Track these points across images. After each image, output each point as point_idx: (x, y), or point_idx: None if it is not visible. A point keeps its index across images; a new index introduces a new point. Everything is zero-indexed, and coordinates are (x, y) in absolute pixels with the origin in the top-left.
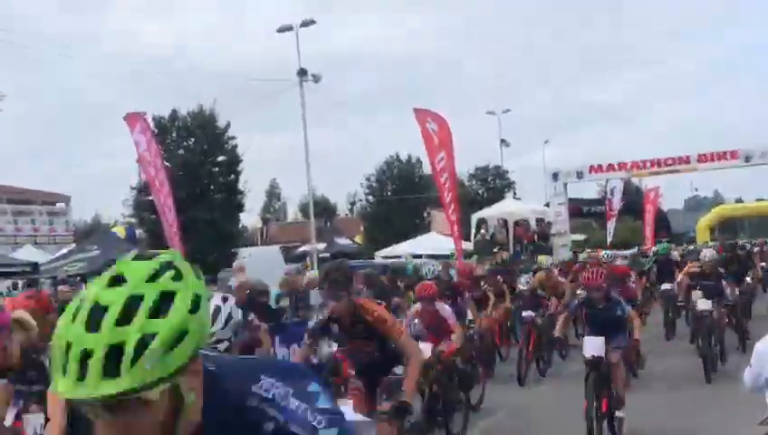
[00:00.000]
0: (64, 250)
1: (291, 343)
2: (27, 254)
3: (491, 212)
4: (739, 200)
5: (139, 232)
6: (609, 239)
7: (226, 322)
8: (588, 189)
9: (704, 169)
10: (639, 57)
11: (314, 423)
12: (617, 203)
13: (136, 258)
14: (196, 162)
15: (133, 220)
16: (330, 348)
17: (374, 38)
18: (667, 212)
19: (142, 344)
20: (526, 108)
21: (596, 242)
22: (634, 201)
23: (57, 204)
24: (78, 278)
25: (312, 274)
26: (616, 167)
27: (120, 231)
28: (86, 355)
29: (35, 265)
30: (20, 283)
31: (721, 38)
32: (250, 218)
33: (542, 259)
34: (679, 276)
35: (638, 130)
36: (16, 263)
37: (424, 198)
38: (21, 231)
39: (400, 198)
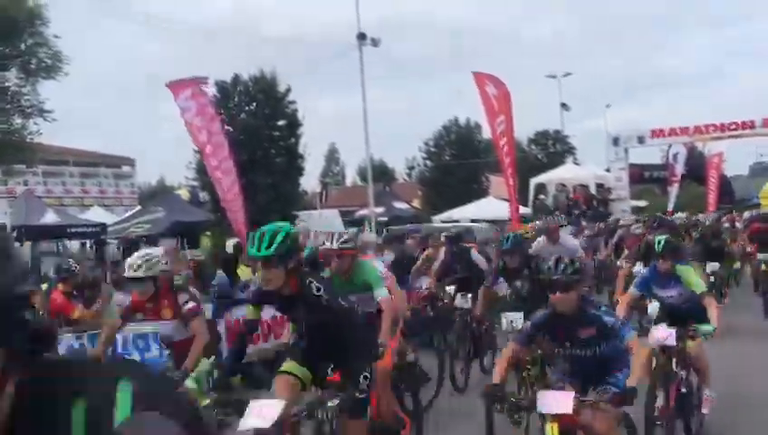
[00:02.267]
0: (130, 212)
1: None
2: (95, 215)
3: (550, 177)
4: None
5: (202, 195)
6: (670, 205)
7: None
8: (651, 155)
9: None
10: (705, 21)
11: None
12: (679, 168)
13: None
14: (258, 126)
15: (196, 183)
16: None
17: (434, 1)
18: (730, 178)
19: None
20: (588, 72)
21: (657, 208)
22: (697, 166)
23: (123, 167)
24: (144, 239)
25: (369, 236)
26: (678, 131)
27: (183, 193)
28: None
29: (104, 226)
30: (88, 243)
31: None
32: (309, 182)
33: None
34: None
35: (703, 97)
36: (86, 223)
37: (482, 163)
38: (88, 193)
39: (458, 163)
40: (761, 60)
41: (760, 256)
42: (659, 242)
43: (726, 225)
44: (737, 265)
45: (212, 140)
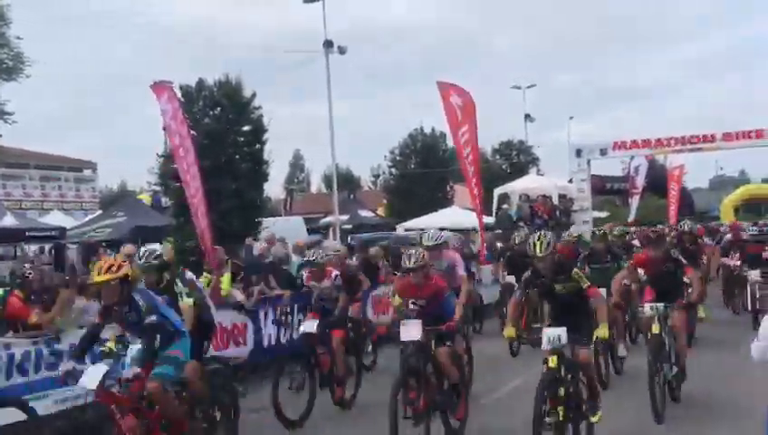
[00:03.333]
0: (91, 216)
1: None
2: (55, 219)
3: (513, 187)
4: (766, 180)
5: (164, 200)
6: (631, 217)
7: None
8: (613, 167)
9: (728, 147)
10: (667, 38)
11: None
12: (640, 180)
13: None
14: (222, 132)
15: (158, 188)
16: None
17: (400, 10)
18: (691, 191)
19: None
20: (552, 84)
21: (618, 219)
22: (658, 179)
23: (84, 170)
24: (104, 244)
25: (333, 244)
26: (640, 144)
27: (145, 198)
28: None
29: (63, 230)
30: (47, 247)
31: (749, 22)
32: (274, 189)
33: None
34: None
35: (664, 111)
36: (45, 227)
37: (447, 172)
38: (48, 197)
39: (424, 172)
40: (721, 75)
41: (752, 273)
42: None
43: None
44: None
45: (183, 144)
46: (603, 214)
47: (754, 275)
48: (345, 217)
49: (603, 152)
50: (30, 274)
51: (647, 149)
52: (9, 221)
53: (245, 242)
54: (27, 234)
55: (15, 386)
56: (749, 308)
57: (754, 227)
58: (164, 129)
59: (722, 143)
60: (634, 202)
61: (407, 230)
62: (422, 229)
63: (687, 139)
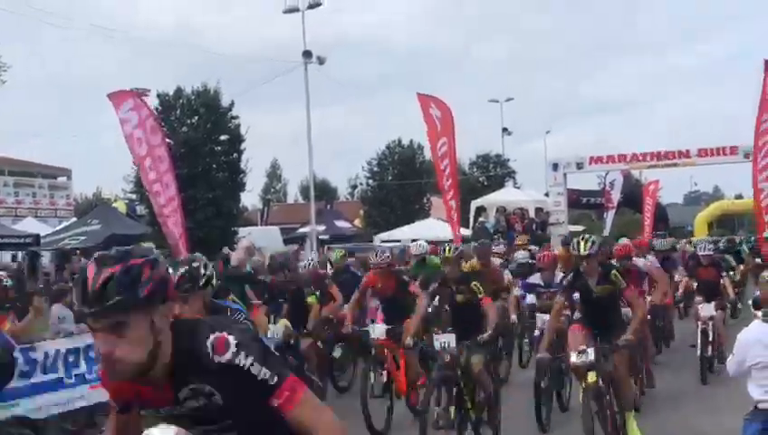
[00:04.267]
0: (65, 223)
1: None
2: (28, 226)
3: (490, 200)
4: (739, 196)
5: (140, 208)
6: (606, 231)
7: None
8: (589, 181)
9: (703, 163)
10: (643, 52)
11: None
12: (616, 195)
13: None
14: (199, 140)
15: (134, 196)
16: None
17: (380, 23)
18: (666, 206)
19: None
20: (529, 97)
21: (593, 233)
22: (633, 193)
23: (58, 177)
24: (78, 252)
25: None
26: (616, 158)
27: (120, 206)
28: None
29: (37, 238)
30: (20, 254)
31: (723, 36)
32: (251, 198)
33: None
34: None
35: (640, 125)
36: (18, 234)
37: (425, 184)
38: (22, 203)
39: (401, 183)
40: (697, 89)
41: (703, 308)
42: None
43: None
44: None
45: (152, 153)
46: (579, 228)
47: (708, 309)
48: (322, 228)
49: (579, 166)
50: (7, 282)
51: (622, 163)
52: None
53: (222, 251)
54: (0, 241)
55: None
56: (699, 351)
57: (709, 245)
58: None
59: (697, 159)
60: (609, 216)
61: (383, 241)
62: (398, 241)
63: (663, 154)
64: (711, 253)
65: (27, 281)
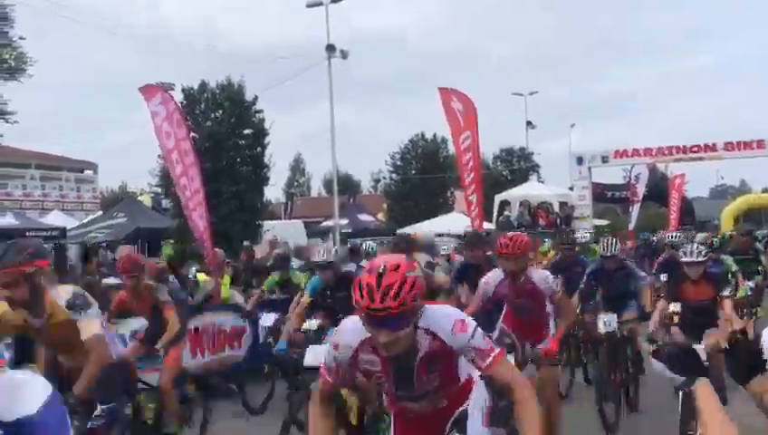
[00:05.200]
0: (91, 217)
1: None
2: (55, 219)
3: (514, 194)
4: (766, 190)
5: (165, 201)
6: (631, 225)
7: None
8: (614, 175)
9: (729, 157)
10: (671, 49)
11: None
12: (641, 189)
13: None
14: (223, 135)
15: (159, 190)
16: None
17: (403, 18)
18: (692, 199)
19: None
20: (554, 91)
21: (618, 227)
22: (658, 187)
23: (85, 171)
24: (105, 244)
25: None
26: (641, 152)
27: (146, 200)
28: None
29: (63, 231)
30: (47, 247)
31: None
32: (274, 192)
33: None
34: None
35: (666, 120)
36: (45, 227)
37: (448, 178)
38: (48, 197)
39: (424, 177)
40: (724, 85)
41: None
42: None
43: None
44: None
45: (179, 147)
46: (604, 222)
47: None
48: (345, 222)
49: (604, 160)
50: None
51: (648, 157)
52: (9, 221)
53: (245, 245)
54: (27, 234)
55: None
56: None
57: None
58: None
59: (723, 153)
60: (634, 210)
61: None
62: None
63: (689, 148)
64: (703, 260)
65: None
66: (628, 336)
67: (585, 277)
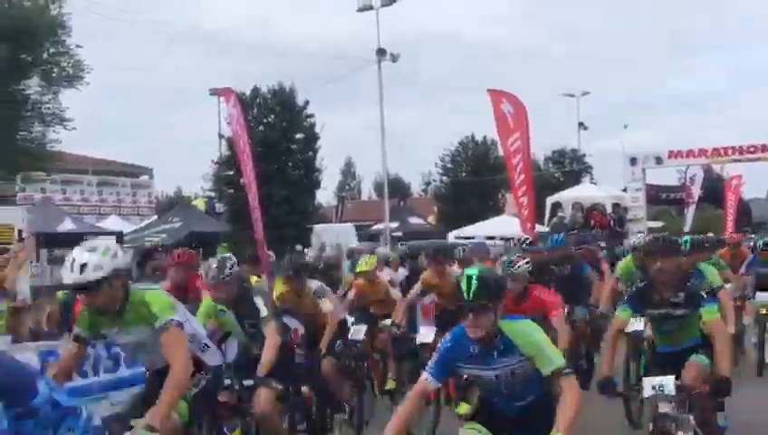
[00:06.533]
0: (147, 221)
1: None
2: (112, 224)
3: (566, 196)
4: None
5: (219, 205)
6: (686, 227)
7: None
8: (668, 176)
9: None
10: (724, 44)
11: None
12: (696, 190)
13: None
14: (275, 139)
15: (213, 194)
16: None
17: (454, 20)
18: (748, 200)
19: None
20: (606, 91)
21: (673, 229)
22: (714, 189)
23: (140, 176)
24: (160, 249)
25: (384, 251)
26: (696, 153)
27: (200, 204)
28: None
29: (120, 235)
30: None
31: None
32: (326, 196)
33: None
34: None
35: (721, 119)
36: (102, 232)
37: (498, 180)
38: (105, 202)
39: (474, 180)
40: None
41: None
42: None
43: None
44: None
45: (246, 150)
46: (659, 223)
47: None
48: (395, 225)
49: (659, 161)
50: None
51: (703, 158)
52: (68, 226)
53: (296, 247)
54: (85, 238)
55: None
56: None
57: None
58: (220, 135)
59: None
60: (690, 212)
61: (457, 238)
62: (472, 237)
63: (745, 148)
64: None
65: None
66: None
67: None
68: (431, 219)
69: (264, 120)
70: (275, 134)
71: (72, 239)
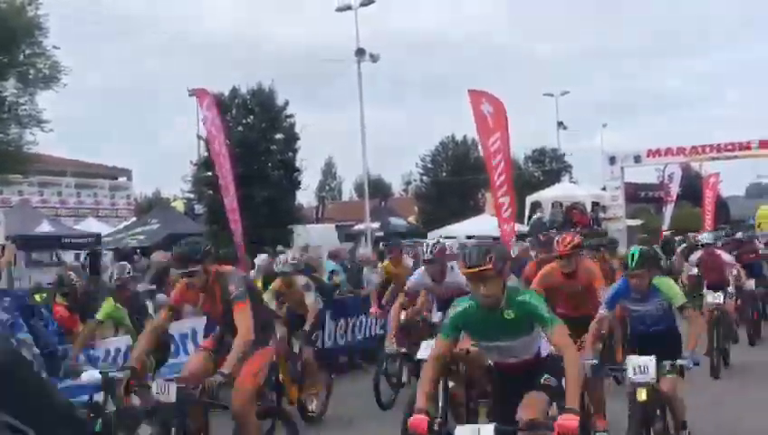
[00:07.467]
0: (126, 223)
1: (342, 317)
2: (90, 226)
3: (545, 195)
4: None
5: (198, 207)
6: (664, 225)
7: None
8: (647, 174)
9: (765, 155)
10: (701, 44)
11: None
12: (675, 188)
13: None
14: (255, 140)
15: (192, 196)
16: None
17: (432, 20)
18: (727, 198)
19: None
20: (585, 91)
21: (652, 227)
22: (692, 187)
23: (119, 178)
24: (139, 250)
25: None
26: (674, 151)
27: (179, 206)
28: None
29: (98, 237)
30: (82, 254)
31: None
32: (306, 196)
33: None
34: None
35: (698, 118)
36: (80, 234)
37: (478, 180)
38: (83, 204)
39: (455, 179)
40: (754, 82)
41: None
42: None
43: None
44: None
45: (222, 151)
46: (637, 222)
47: None
48: (376, 225)
49: (637, 160)
50: (76, 282)
51: (681, 156)
52: (46, 228)
53: (277, 249)
54: (63, 240)
55: None
56: None
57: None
58: (198, 136)
59: (757, 150)
60: (668, 210)
61: (439, 238)
62: (453, 237)
63: (723, 146)
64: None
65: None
66: None
67: None
68: (412, 219)
69: (244, 121)
70: (255, 135)
71: (50, 242)
